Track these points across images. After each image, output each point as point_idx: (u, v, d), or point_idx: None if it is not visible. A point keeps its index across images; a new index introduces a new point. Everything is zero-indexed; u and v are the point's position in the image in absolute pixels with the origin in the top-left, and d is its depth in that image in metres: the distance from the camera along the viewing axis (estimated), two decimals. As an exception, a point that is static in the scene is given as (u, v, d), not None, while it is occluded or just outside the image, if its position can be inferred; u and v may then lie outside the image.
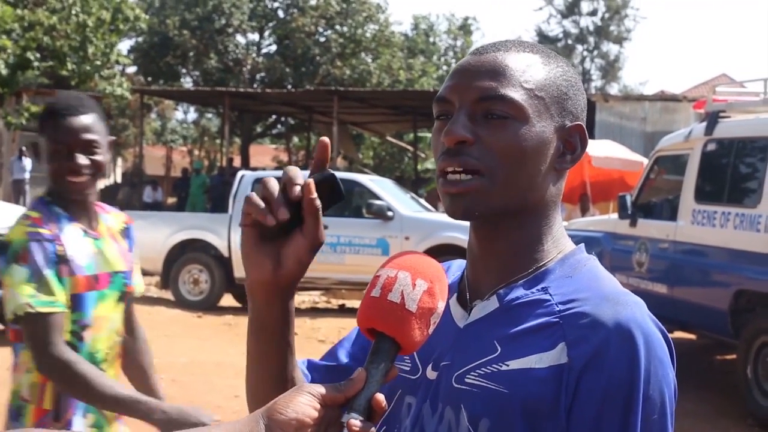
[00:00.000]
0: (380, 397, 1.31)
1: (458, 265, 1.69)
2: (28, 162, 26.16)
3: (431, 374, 1.52)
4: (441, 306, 1.38)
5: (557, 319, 1.42)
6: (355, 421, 1.28)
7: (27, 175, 25.91)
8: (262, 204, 1.36)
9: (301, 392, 1.30)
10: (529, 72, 1.49)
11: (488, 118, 1.46)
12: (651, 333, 1.39)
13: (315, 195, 1.37)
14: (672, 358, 1.42)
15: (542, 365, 1.40)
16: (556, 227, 1.54)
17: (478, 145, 1.45)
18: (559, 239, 1.54)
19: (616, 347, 1.36)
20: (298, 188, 1.37)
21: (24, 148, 26.44)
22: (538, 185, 1.49)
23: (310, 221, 1.39)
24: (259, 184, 1.40)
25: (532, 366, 1.40)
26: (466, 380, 1.45)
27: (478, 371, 1.44)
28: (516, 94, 1.46)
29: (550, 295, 1.47)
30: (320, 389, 1.30)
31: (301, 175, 1.39)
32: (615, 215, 11.04)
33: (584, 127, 1.54)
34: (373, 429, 1.30)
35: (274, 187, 1.38)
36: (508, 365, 1.42)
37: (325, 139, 1.45)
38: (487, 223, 1.51)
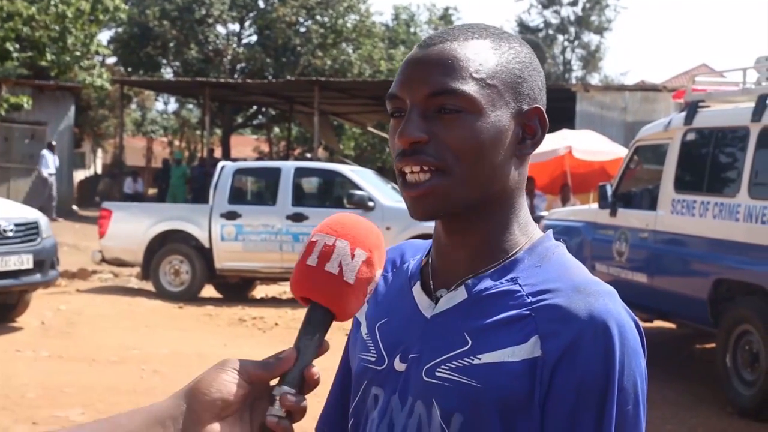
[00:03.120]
0: (315, 370, 1.28)
1: (413, 248, 1.65)
2: (55, 157, 26.33)
3: (399, 366, 1.49)
4: (378, 274, 1.35)
5: (529, 312, 1.41)
6: (290, 396, 1.25)
7: (54, 170, 26.11)
8: None
9: (226, 369, 1.25)
10: (478, 60, 1.44)
11: (441, 113, 1.43)
12: (624, 323, 1.38)
13: None
14: (643, 346, 1.42)
15: (515, 359, 1.38)
16: (523, 214, 1.52)
17: (434, 142, 1.42)
18: (526, 227, 1.52)
19: (590, 340, 1.35)
20: None
21: (53, 142, 26.50)
22: (500, 175, 1.46)
23: None
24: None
25: (504, 360, 1.38)
26: (437, 374, 1.43)
27: (449, 365, 1.42)
28: (467, 87, 1.42)
29: (520, 286, 1.44)
30: (246, 366, 1.26)
31: None
32: (595, 205, 11.07)
33: (543, 108, 1.50)
34: (305, 401, 1.26)
35: None
36: (480, 359, 1.40)
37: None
38: (452, 218, 1.48)
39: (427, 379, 1.44)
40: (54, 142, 26.62)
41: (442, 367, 1.43)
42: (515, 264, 1.48)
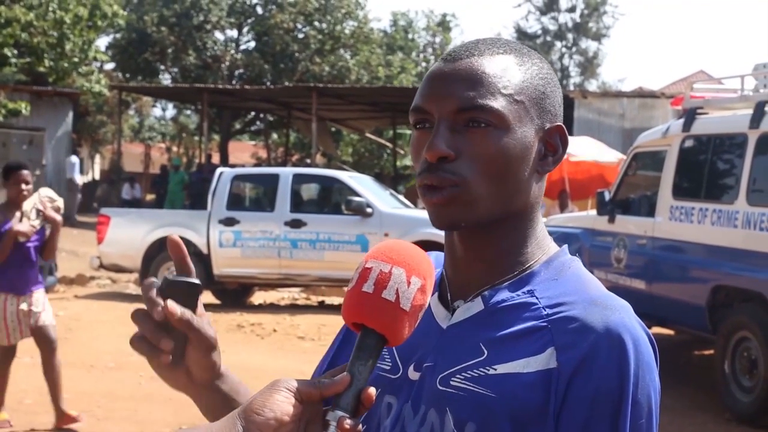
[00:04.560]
0: (371, 390, 1.30)
1: (434, 259, 1.65)
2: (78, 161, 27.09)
3: (413, 375, 1.50)
4: (428, 301, 1.36)
5: (545, 324, 1.41)
6: (348, 420, 1.26)
7: (78, 175, 26.93)
8: (147, 347, 1.43)
9: (278, 389, 1.27)
10: (506, 76, 1.46)
11: (469, 128, 1.44)
12: (639, 338, 1.39)
13: (178, 312, 1.41)
14: (656, 361, 1.42)
15: (530, 370, 1.39)
16: (539, 228, 1.53)
17: (460, 158, 1.43)
18: (542, 241, 1.53)
19: (606, 352, 1.36)
20: (159, 311, 1.41)
21: (78, 148, 26.91)
22: (523, 191, 1.48)
23: (191, 334, 1.43)
24: (134, 316, 1.44)
25: (520, 370, 1.39)
26: (452, 383, 1.43)
27: (464, 374, 1.43)
28: (496, 102, 1.43)
29: (537, 298, 1.45)
30: (297, 385, 1.28)
31: (154, 295, 1.43)
32: (593, 211, 11.07)
33: (564, 126, 1.52)
34: (360, 425, 1.28)
35: (144, 320, 1.43)
36: (495, 369, 1.41)
37: (175, 237, 1.48)
38: (472, 231, 1.49)
39: (441, 388, 1.44)
40: (78, 148, 27.21)
41: (457, 376, 1.43)
42: (532, 277, 1.49)
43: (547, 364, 1.38)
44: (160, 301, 1.41)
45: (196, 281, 1.46)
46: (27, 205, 7.32)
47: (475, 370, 1.42)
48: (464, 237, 1.51)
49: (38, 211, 7.32)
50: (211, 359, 1.46)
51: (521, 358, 1.40)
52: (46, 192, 7.61)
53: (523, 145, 1.46)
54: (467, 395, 1.41)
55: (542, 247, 1.53)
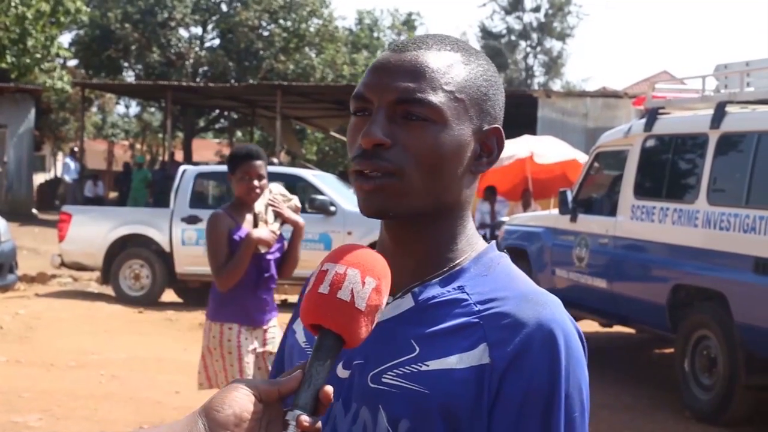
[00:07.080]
0: (329, 389, 1.30)
1: None
2: (76, 163, 27.28)
3: (342, 372, 1.50)
4: (384, 301, 1.38)
5: (477, 320, 1.42)
6: (305, 417, 1.27)
7: (76, 176, 27.24)
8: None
9: (237, 388, 1.29)
10: (450, 73, 1.47)
11: (407, 120, 1.45)
12: (570, 332, 1.41)
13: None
14: (585, 355, 1.44)
15: (463, 366, 1.39)
16: (469, 226, 1.54)
17: (395, 147, 1.44)
18: (472, 238, 1.54)
19: (538, 348, 1.37)
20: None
21: (75, 149, 26.86)
22: (454, 188, 1.49)
23: None
24: None
25: (452, 366, 1.40)
26: (384, 380, 1.44)
27: (395, 371, 1.43)
28: (435, 98, 1.44)
29: (468, 294, 1.46)
30: (256, 384, 1.29)
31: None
32: (556, 211, 11.12)
33: (501, 129, 1.53)
34: (319, 423, 1.29)
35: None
36: (427, 365, 1.41)
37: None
38: (401, 223, 1.49)
39: (373, 386, 1.45)
40: (76, 149, 27.18)
41: (389, 373, 1.44)
42: (462, 273, 1.50)
43: (479, 360, 1.39)
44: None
45: None
46: (259, 206, 5.56)
47: (407, 367, 1.43)
48: (394, 231, 1.52)
49: (276, 213, 5.60)
50: None
51: (453, 354, 1.41)
52: (278, 188, 5.79)
53: (458, 142, 1.46)
54: (400, 392, 1.42)
55: (471, 244, 1.54)
